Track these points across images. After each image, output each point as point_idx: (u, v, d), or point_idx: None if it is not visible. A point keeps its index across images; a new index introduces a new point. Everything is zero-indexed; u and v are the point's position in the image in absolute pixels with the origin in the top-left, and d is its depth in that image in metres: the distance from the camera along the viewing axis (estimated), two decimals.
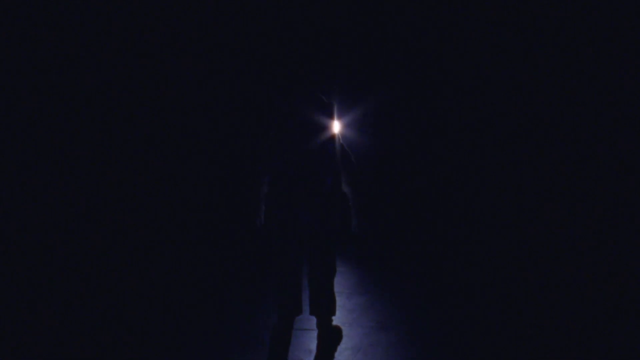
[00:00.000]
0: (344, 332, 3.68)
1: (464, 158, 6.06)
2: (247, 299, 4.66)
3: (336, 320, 3.89)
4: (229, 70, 4.91)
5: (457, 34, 5.70)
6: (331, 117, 3.38)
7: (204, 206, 4.69)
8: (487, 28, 5.55)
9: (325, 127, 3.36)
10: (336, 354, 3.41)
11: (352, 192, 3.46)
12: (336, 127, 5.55)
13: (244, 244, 4.45)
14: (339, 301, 4.42)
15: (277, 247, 3.35)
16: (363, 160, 6.22)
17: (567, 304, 4.24)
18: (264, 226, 3.41)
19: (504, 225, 5.67)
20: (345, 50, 5.63)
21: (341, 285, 5.02)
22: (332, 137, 3.39)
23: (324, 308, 3.42)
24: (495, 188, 5.83)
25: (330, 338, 3.42)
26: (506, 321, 3.99)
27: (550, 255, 5.17)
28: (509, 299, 4.45)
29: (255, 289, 4.93)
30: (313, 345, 3.53)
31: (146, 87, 4.45)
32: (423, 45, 5.73)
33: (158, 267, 5.20)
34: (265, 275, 5.13)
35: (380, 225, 6.03)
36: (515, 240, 5.49)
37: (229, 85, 4.92)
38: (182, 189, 4.71)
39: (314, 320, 3.65)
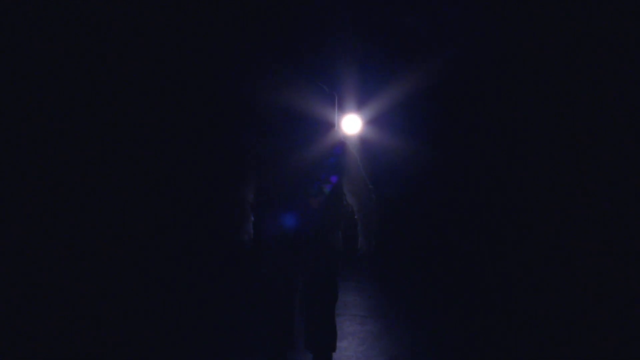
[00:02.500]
0: None
1: (504, 168, 5.47)
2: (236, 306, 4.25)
3: (343, 352, 3.43)
4: (211, 57, 4.38)
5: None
6: (333, 111, 2.95)
7: (184, 214, 4.29)
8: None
9: (327, 124, 2.90)
10: None
11: (358, 203, 2.99)
12: (349, 124, 5.07)
13: (232, 258, 4.03)
14: (350, 327, 4.03)
15: (267, 266, 2.94)
16: (384, 165, 5.81)
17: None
18: (253, 241, 2.97)
19: (546, 248, 5.10)
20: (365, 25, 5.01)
21: (357, 307, 4.58)
22: (335, 136, 2.95)
23: (322, 342, 2.99)
24: (533, 206, 5.27)
25: None
26: None
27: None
28: (556, 343, 3.79)
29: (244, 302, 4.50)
30: None
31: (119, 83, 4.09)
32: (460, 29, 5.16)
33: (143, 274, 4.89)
34: (253, 299, 4.66)
35: (407, 239, 5.53)
36: (557, 268, 4.93)
37: (210, 76, 4.39)
38: (159, 194, 4.32)
39: (309, 355, 3.14)
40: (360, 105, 5.52)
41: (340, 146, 2.95)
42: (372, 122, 5.57)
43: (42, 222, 4.21)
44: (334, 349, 3.02)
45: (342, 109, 5.34)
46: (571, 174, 5.23)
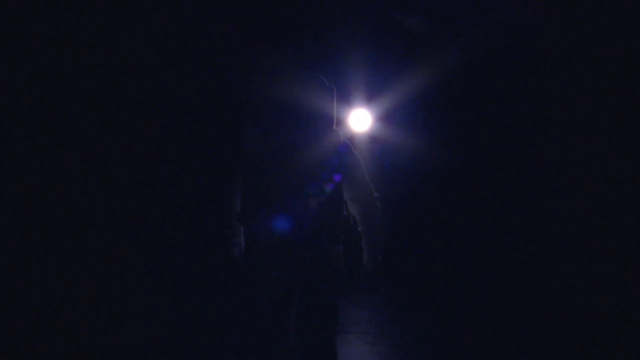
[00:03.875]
0: None
1: (529, 170, 5.18)
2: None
3: None
4: (198, 45, 4.02)
5: None
6: (333, 106, 2.72)
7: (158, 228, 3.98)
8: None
9: (329, 120, 2.70)
10: None
11: (362, 213, 2.71)
12: (358, 119, 5.01)
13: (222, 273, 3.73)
14: (359, 347, 3.72)
15: (257, 283, 2.67)
16: (397, 166, 5.50)
17: None
18: (245, 253, 2.69)
19: (576, 254, 4.84)
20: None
21: (368, 323, 4.35)
22: (335, 135, 2.71)
23: None
24: (561, 210, 5.03)
25: None
26: None
27: None
28: None
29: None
30: None
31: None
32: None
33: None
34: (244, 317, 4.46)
35: (421, 249, 5.25)
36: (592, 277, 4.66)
37: (197, 66, 4.03)
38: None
39: None
40: (370, 99, 5.21)
41: (345, 145, 2.72)
42: (384, 117, 5.26)
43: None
44: None
45: (349, 103, 5.05)
46: (598, 174, 4.94)
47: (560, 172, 5.19)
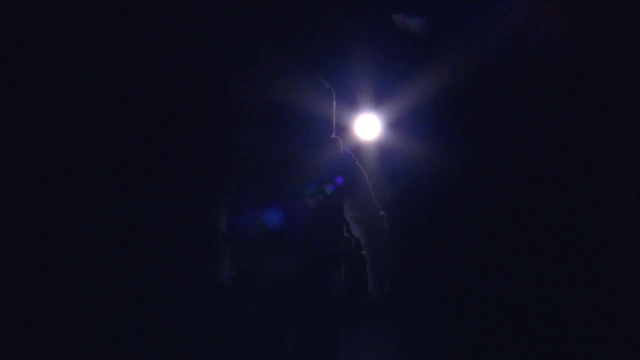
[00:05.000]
0: None
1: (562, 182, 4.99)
2: None
3: None
4: (184, 38, 3.86)
5: None
6: (331, 112, 2.60)
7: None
8: None
9: (325, 127, 2.60)
10: None
11: (367, 235, 2.61)
12: (365, 126, 4.98)
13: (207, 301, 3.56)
14: None
15: (248, 313, 2.59)
16: (409, 179, 5.27)
17: None
18: (234, 280, 2.63)
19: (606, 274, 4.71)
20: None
21: (376, 351, 4.36)
22: (335, 144, 2.62)
23: None
24: (591, 224, 4.84)
25: None
26: None
27: None
28: None
29: None
30: None
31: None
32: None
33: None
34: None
35: (439, 270, 5.11)
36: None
37: (181, 62, 3.87)
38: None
39: None
40: (379, 104, 5.01)
41: (347, 154, 2.66)
42: (395, 124, 5.07)
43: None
44: None
45: (356, 108, 4.87)
46: (614, 183, 4.79)
47: (576, 179, 4.97)
